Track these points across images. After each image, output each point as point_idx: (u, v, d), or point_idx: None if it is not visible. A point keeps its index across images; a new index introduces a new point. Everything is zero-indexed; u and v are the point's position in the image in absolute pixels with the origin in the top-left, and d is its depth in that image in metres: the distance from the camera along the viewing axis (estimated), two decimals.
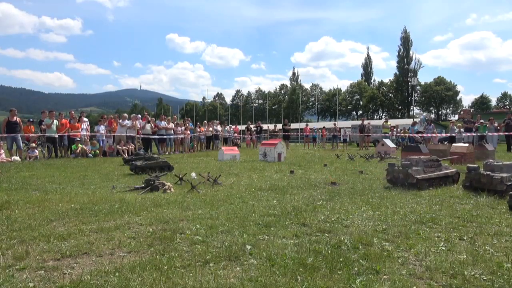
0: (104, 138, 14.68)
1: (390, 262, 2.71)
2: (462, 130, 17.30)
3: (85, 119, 15.73)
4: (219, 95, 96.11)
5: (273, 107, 78.12)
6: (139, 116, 16.68)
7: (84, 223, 3.80)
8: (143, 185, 5.91)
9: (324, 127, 25.75)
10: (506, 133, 16.17)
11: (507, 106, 64.30)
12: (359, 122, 23.35)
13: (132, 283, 2.31)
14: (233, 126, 26.67)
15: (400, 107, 69.69)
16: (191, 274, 2.46)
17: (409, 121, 28.20)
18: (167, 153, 15.94)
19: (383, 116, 67.14)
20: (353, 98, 74.57)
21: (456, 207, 4.59)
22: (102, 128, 14.75)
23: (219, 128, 21.37)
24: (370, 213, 4.26)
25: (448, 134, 17.43)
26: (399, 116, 63.79)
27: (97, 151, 14.00)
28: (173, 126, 16.69)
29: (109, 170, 9.07)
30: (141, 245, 3.08)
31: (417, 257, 2.82)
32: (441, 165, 6.59)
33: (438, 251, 2.96)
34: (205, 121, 21.92)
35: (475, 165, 5.78)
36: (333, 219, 3.98)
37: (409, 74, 65.48)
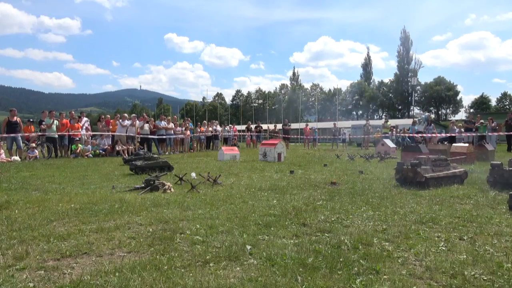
0: (106, 145, 14.64)
1: (390, 262, 2.71)
2: (462, 130, 17.29)
3: (85, 118, 15.73)
4: (219, 95, 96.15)
5: (273, 107, 78.09)
6: (135, 116, 16.72)
7: (84, 223, 3.80)
8: (143, 185, 5.91)
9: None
10: (507, 133, 16.16)
11: (507, 106, 64.27)
12: (359, 122, 23.30)
13: (132, 283, 2.31)
14: (232, 126, 26.66)
15: (400, 107, 69.71)
16: (191, 274, 2.46)
17: (409, 121, 28.21)
18: (167, 153, 15.95)
19: (383, 116, 67.13)
20: (353, 98, 74.57)
21: (456, 207, 4.59)
22: (104, 142, 14.74)
23: (219, 128, 21.38)
24: (370, 213, 4.26)
25: (448, 134, 17.42)
26: (399, 116, 63.78)
27: (97, 151, 14.01)
28: (173, 126, 16.70)
29: (109, 170, 9.07)
30: (141, 245, 3.08)
31: (417, 257, 2.82)
32: (450, 164, 6.68)
33: (438, 251, 2.95)
34: (205, 121, 21.93)
35: (498, 162, 6.03)
36: (333, 219, 3.98)
37: (409, 74, 65.51)
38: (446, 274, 2.49)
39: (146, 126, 15.53)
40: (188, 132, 17.87)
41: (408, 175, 6.18)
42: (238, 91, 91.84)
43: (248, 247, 2.99)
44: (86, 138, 14.44)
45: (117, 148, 14.16)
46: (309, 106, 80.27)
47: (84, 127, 14.85)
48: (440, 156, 6.95)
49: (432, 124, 19.12)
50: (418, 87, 65.91)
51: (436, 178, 6.15)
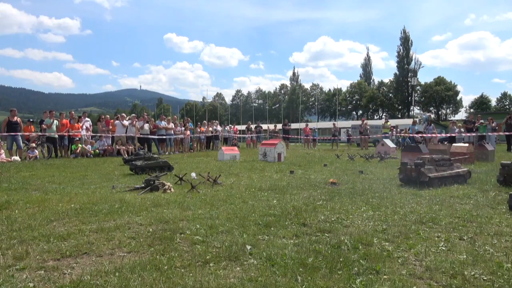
0: (106, 146, 14.62)
1: (390, 262, 2.71)
2: (462, 130, 17.29)
3: (87, 118, 15.73)
4: (219, 95, 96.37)
5: (273, 107, 78.14)
6: (135, 116, 16.74)
7: (84, 223, 3.80)
8: (143, 185, 5.91)
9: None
10: (507, 133, 16.16)
11: (507, 106, 64.27)
12: (359, 122, 23.29)
13: (132, 283, 2.31)
14: (232, 126, 26.66)
15: (400, 107, 69.70)
16: (191, 274, 2.46)
17: (409, 121, 28.20)
18: (167, 153, 15.95)
19: (383, 116, 67.13)
20: (353, 98, 74.60)
21: (456, 207, 4.58)
22: (103, 143, 14.71)
23: (219, 128, 21.39)
24: (370, 213, 4.26)
25: (448, 134, 17.42)
26: (399, 116, 63.76)
27: (97, 150, 14.01)
28: (173, 126, 16.70)
29: (109, 170, 9.07)
30: (141, 245, 3.08)
31: (417, 257, 2.82)
32: (453, 164, 6.72)
33: (438, 251, 2.95)
34: (205, 121, 21.93)
35: (508, 162, 6.19)
36: (333, 219, 3.98)
37: (409, 74, 65.51)
38: (446, 274, 2.49)
39: (146, 126, 15.54)
40: (188, 132, 17.87)
41: (412, 175, 6.22)
42: (238, 91, 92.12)
43: (248, 247, 2.99)
44: (86, 138, 14.44)
45: (117, 147, 14.17)
46: (309, 106, 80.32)
47: (84, 127, 14.84)
48: (444, 156, 7.00)
49: (432, 124, 19.12)
50: (418, 87, 65.89)
51: (440, 178, 6.19)
